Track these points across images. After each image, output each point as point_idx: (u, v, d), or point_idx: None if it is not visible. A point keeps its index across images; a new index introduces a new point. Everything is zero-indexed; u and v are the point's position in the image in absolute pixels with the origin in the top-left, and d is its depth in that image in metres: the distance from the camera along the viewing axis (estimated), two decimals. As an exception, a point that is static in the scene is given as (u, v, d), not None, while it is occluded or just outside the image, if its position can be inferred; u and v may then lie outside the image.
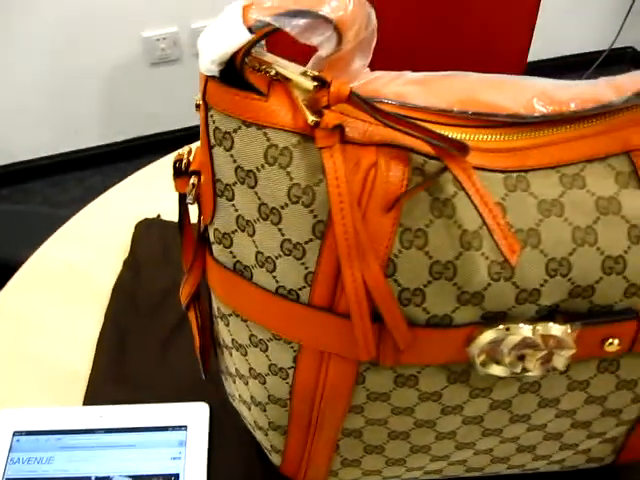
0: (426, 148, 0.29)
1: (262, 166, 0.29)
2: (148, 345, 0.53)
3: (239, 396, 0.40)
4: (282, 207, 0.29)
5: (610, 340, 0.32)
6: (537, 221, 0.30)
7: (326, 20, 0.27)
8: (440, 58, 0.87)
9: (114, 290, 0.56)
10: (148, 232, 0.59)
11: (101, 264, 0.58)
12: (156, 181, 0.65)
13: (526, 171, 0.31)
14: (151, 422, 0.47)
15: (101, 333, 0.53)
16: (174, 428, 0.47)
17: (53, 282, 0.57)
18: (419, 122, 0.29)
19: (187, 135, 1.74)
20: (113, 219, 0.62)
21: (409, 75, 0.33)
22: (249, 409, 0.40)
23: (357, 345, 0.31)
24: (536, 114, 0.31)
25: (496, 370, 0.32)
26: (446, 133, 0.30)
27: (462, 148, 0.28)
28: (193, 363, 0.49)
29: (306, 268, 0.30)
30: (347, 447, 0.38)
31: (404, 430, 0.36)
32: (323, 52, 0.28)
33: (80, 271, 0.58)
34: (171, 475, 0.45)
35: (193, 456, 0.46)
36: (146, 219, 0.61)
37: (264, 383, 0.36)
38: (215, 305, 0.36)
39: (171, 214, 0.61)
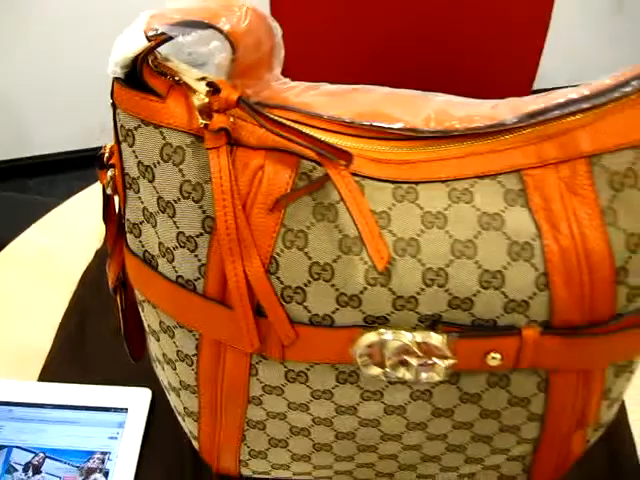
0: (312, 154, 0.30)
1: (158, 162, 0.31)
2: (105, 331, 0.55)
3: (161, 381, 0.42)
4: (175, 201, 0.31)
5: (492, 354, 0.32)
6: (419, 231, 0.31)
7: (218, 31, 0.29)
8: (436, 79, 0.87)
9: (82, 277, 0.59)
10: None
11: (76, 252, 0.61)
12: None
13: (417, 183, 0.32)
14: (95, 402, 0.50)
15: (64, 316, 0.56)
16: (116, 410, 0.50)
17: (27, 265, 0.60)
18: (308, 130, 0.30)
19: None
20: (96, 210, 0.65)
21: (323, 87, 0.35)
22: (169, 394, 0.42)
23: (242, 338, 0.32)
24: (431, 129, 0.32)
25: (373, 371, 0.33)
26: (342, 142, 0.32)
27: (345, 156, 0.29)
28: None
29: (199, 260, 0.32)
30: (253, 438, 0.39)
31: (304, 426, 0.38)
32: (215, 60, 0.30)
33: (55, 257, 0.61)
34: (105, 452, 0.47)
35: (129, 437, 0.48)
36: None
37: (175, 369, 0.38)
38: (136, 291, 0.38)
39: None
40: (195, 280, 0.33)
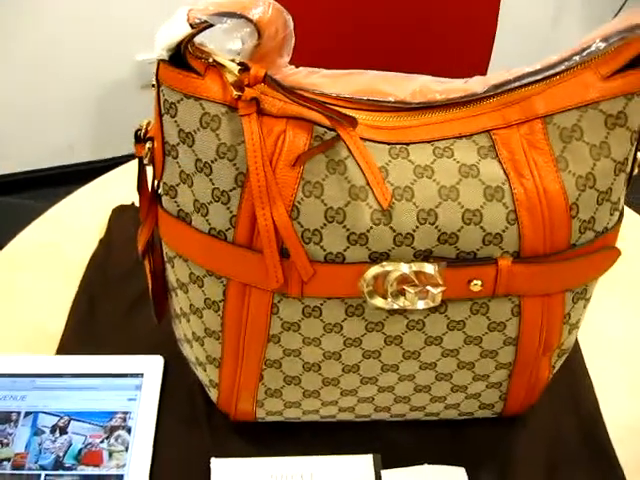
0: (324, 121, 0.37)
1: (198, 129, 0.37)
2: (115, 310, 0.60)
3: (184, 335, 0.48)
4: (212, 161, 0.37)
5: (474, 281, 0.39)
6: (412, 180, 0.38)
7: (248, 20, 0.36)
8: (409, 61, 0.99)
9: (88, 263, 0.64)
10: (122, 216, 0.68)
11: (77, 244, 0.66)
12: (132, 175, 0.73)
13: (407, 144, 0.39)
14: (112, 370, 0.55)
15: (74, 300, 0.61)
16: (132, 375, 0.55)
17: (34, 260, 0.64)
18: (321, 102, 0.37)
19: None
20: (93, 207, 0.70)
21: (323, 71, 0.42)
22: (191, 346, 0.47)
23: (268, 275, 0.39)
24: (416, 101, 0.40)
25: (378, 302, 0.39)
26: (344, 112, 0.39)
27: (351, 121, 0.37)
28: (153, 325, 0.57)
29: (230, 212, 0.38)
30: (270, 377, 0.45)
31: (315, 361, 0.44)
32: (246, 45, 0.37)
33: (58, 250, 0.66)
34: (126, 412, 0.52)
35: (147, 397, 0.53)
36: (121, 205, 0.69)
37: (201, 317, 0.44)
38: (165, 250, 0.44)
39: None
40: (226, 230, 0.39)
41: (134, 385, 0.54)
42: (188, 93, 0.37)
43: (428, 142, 0.39)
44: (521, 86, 0.39)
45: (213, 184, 0.38)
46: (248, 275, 0.40)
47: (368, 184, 0.37)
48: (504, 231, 0.38)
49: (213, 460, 0.49)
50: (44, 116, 1.59)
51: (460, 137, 0.39)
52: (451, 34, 1.06)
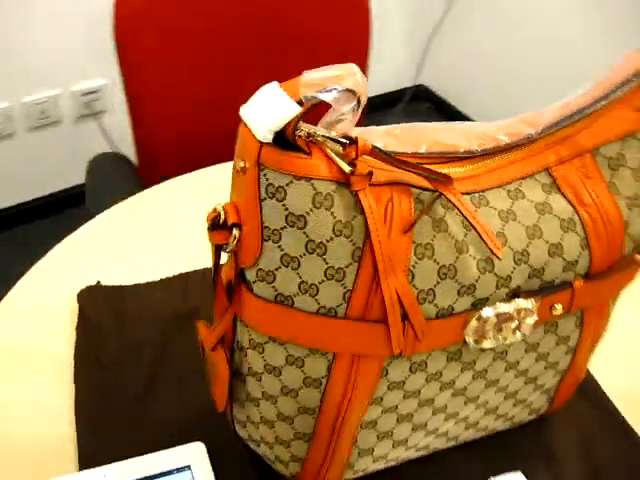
0: (423, 182, 0.38)
1: (311, 210, 0.36)
2: (124, 402, 0.55)
3: (260, 418, 0.45)
4: (328, 240, 0.36)
5: (556, 306, 0.43)
6: (501, 226, 0.40)
7: (351, 92, 0.35)
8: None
9: (76, 356, 0.57)
10: (93, 298, 0.61)
11: (49, 337, 0.58)
12: (81, 250, 0.67)
13: (483, 191, 0.41)
14: (156, 469, 0.50)
15: (76, 401, 0.54)
16: (178, 470, 0.50)
17: (2, 362, 0.56)
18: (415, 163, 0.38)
19: (19, 211, 1.69)
20: (48, 293, 0.62)
21: (377, 129, 0.43)
22: (272, 426, 0.45)
23: (389, 343, 0.39)
24: (481, 148, 0.42)
25: (487, 344, 0.41)
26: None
27: (448, 178, 0.38)
28: (170, 410, 0.53)
29: (345, 288, 0.38)
30: (363, 438, 0.45)
31: (409, 412, 0.44)
32: (346, 116, 0.36)
33: (29, 348, 0.58)
34: (190, 512, 0.48)
35: (205, 490, 0.50)
36: (88, 287, 0.62)
37: (296, 397, 0.42)
38: (246, 338, 0.42)
39: (108, 279, 0.64)
40: (337, 307, 0.38)
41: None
42: (299, 175, 0.35)
43: (499, 187, 0.42)
44: (569, 124, 0.43)
45: (327, 263, 0.37)
46: (360, 346, 0.39)
47: (478, 234, 0.38)
48: (578, 257, 0.42)
49: (303, 535, 0.48)
50: None
51: (524, 177, 0.42)
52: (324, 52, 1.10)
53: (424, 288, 0.39)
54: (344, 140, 0.35)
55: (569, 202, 0.42)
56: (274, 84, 0.35)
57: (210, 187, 0.78)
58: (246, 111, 0.35)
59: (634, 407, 0.59)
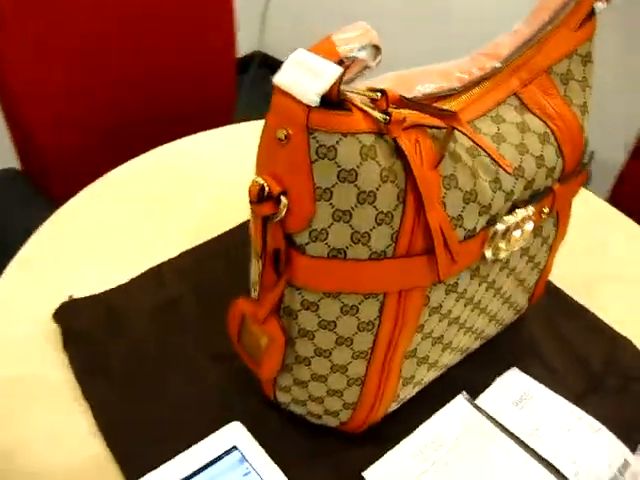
0: (437, 121, 0.41)
1: (361, 163, 0.38)
2: (144, 403, 0.54)
3: (311, 376, 0.47)
4: (377, 188, 0.39)
5: (544, 209, 0.49)
6: (496, 148, 0.45)
7: (377, 48, 0.38)
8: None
9: (78, 374, 0.54)
10: (75, 313, 0.58)
11: (32, 367, 0.55)
12: (33, 272, 0.63)
13: (473, 121, 0.46)
14: (204, 459, 0.50)
15: (97, 417, 0.52)
16: (226, 452, 0.51)
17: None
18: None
19: None
20: (10, 322, 0.58)
21: (387, 75, 0.45)
22: (324, 380, 0.47)
23: (432, 272, 0.42)
24: (461, 84, 0.46)
25: (502, 254, 0.46)
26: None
27: (454, 114, 0.42)
28: (189, 399, 0.54)
29: (392, 229, 0.41)
30: (406, 368, 0.49)
31: (441, 334, 0.49)
32: (369, 68, 0.39)
33: (17, 384, 0.54)
34: (254, 486, 0.50)
35: (259, 463, 0.51)
36: (63, 304, 0.59)
37: (350, 344, 0.45)
38: (297, 301, 0.43)
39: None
40: (387, 248, 0.41)
41: (237, 460, 0.51)
42: (346, 132, 0.37)
43: (483, 115, 0.46)
44: (523, 52, 0.48)
45: (377, 209, 0.40)
46: (408, 280, 0.43)
47: (490, 157, 0.43)
48: (555, 164, 0.49)
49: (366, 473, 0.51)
50: None
51: (500, 104, 0.48)
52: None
53: (454, 215, 0.43)
54: (376, 93, 0.38)
55: (539, 118, 0.48)
56: (302, 50, 0.37)
57: (121, 187, 0.76)
58: (285, 79, 0.37)
59: (576, 291, 0.69)
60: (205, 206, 0.74)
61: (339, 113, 0.37)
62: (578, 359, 0.62)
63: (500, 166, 0.43)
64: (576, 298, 0.68)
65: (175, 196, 0.75)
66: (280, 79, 0.37)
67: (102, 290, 0.62)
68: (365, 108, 0.38)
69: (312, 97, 0.36)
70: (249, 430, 0.52)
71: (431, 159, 0.41)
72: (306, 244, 0.41)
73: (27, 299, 0.61)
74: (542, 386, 0.59)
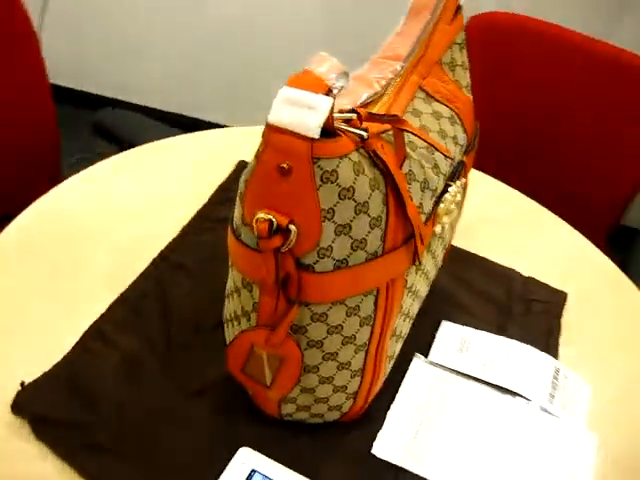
0: (387, 126, 0.46)
1: (355, 179, 0.42)
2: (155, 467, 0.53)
3: (319, 381, 0.50)
4: (369, 197, 0.43)
5: (462, 179, 0.57)
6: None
7: (346, 73, 0.41)
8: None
9: (70, 457, 0.51)
10: (35, 397, 0.54)
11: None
12: None
13: (402, 117, 0.52)
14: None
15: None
16: (249, 478, 0.52)
17: None
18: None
19: None
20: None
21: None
22: (331, 381, 0.51)
23: (412, 257, 0.48)
24: (380, 88, 0.52)
25: (445, 225, 0.53)
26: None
27: (400, 118, 0.47)
28: (190, 442, 0.54)
29: (381, 230, 0.45)
30: (390, 347, 0.54)
31: (408, 307, 0.55)
32: (340, 91, 0.42)
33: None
34: None
35: (280, 476, 0.53)
36: (20, 391, 0.54)
37: (354, 340, 0.49)
38: (306, 316, 0.46)
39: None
40: (377, 248, 0.46)
41: (261, 481, 0.52)
42: (341, 154, 0.41)
43: (406, 111, 0.52)
44: (417, 50, 0.55)
45: (370, 216, 0.44)
46: (395, 271, 0.48)
47: (432, 146, 0.49)
48: (463, 140, 0.56)
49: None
50: None
51: (412, 99, 0.54)
52: None
53: (417, 204, 0.48)
54: (351, 114, 0.42)
55: (444, 104, 0.55)
56: (289, 88, 0.39)
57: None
58: (281, 118, 0.39)
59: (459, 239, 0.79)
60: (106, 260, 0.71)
61: (334, 140, 0.40)
62: (487, 299, 0.73)
63: (441, 153, 0.50)
64: (460, 244, 0.78)
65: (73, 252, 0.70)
66: (275, 118, 0.39)
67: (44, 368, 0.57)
68: (351, 130, 0.42)
69: (314, 130, 0.39)
70: (257, 450, 0.54)
71: (395, 160, 0.46)
72: (314, 263, 0.44)
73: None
74: (472, 329, 0.68)
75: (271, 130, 0.40)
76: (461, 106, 0.57)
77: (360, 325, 0.48)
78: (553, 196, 0.95)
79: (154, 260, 0.69)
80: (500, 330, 0.69)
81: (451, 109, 0.56)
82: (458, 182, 0.55)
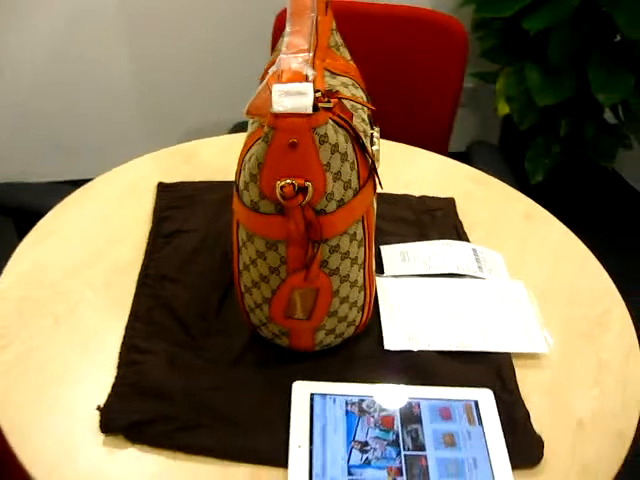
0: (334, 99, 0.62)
1: (337, 137, 0.56)
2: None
3: (340, 302, 0.65)
4: (346, 148, 0.58)
5: (375, 127, 0.74)
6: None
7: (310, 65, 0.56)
8: None
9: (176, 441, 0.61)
10: (118, 410, 0.61)
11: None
12: None
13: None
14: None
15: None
16: (312, 399, 0.65)
17: None
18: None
19: None
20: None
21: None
22: (348, 299, 0.65)
23: (374, 185, 0.64)
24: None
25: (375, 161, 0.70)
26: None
27: (337, 91, 0.63)
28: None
29: (356, 171, 0.60)
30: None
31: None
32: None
33: None
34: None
35: (341, 389, 0.67)
36: (102, 410, 0.61)
37: (355, 260, 0.64)
38: (326, 249, 0.60)
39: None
40: (356, 185, 0.61)
41: (332, 402, 0.66)
42: (325, 122, 0.55)
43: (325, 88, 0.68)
44: (315, 42, 0.71)
45: (349, 162, 0.59)
46: (370, 197, 0.64)
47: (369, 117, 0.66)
48: (366, 98, 0.73)
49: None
50: None
51: (324, 77, 0.69)
52: None
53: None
54: (318, 93, 0.57)
55: (343, 76, 0.72)
56: (279, 84, 0.53)
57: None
58: (283, 106, 0.53)
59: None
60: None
61: (318, 113, 0.55)
62: (402, 221, 0.91)
63: (368, 108, 0.66)
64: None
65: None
66: (279, 107, 0.53)
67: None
68: (324, 104, 0.57)
69: (309, 108, 0.53)
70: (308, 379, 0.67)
71: (350, 119, 0.62)
72: (325, 207, 0.58)
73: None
74: (404, 244, 0.86)
75: (278, 117, 0.53)
76: (354, 74, 0.73)
77: (358, 247, 0.64)
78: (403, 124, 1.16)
79: (139, 280, 0.78)
80: (423, 237, 0.88)
81: (350, 78, 0.72)
82: (376, 128, 0.72)
